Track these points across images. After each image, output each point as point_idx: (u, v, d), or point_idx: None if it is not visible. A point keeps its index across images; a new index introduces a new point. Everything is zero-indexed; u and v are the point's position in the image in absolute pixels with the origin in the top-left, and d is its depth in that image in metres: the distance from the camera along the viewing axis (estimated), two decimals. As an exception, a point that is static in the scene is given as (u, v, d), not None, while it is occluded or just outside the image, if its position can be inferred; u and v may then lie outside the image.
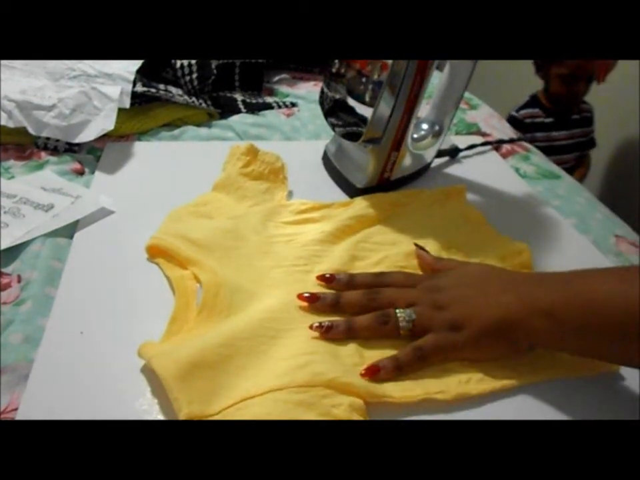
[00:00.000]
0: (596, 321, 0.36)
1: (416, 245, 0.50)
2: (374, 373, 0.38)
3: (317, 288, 0.45)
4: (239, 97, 0.78)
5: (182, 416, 0.34)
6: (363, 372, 0.38)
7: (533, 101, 1.63)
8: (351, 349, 0.40)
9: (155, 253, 0.47)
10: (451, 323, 0.40)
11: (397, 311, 0.41)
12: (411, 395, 0.37)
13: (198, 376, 0.36)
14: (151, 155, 0.64)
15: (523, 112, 1.62)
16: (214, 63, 0.75)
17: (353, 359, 0.40)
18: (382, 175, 0.59)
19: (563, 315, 0.37)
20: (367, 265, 0.49)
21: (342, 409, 0.36)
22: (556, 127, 1.59)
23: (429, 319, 0.41)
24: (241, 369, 0.38)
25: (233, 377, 0.37)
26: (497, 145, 0.75)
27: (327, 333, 0.40)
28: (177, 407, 0.34)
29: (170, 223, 0.50)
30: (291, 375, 0.37)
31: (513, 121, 1.60)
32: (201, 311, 0.42)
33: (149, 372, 0.38)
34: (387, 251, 0.51)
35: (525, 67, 1.70)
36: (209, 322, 0.41)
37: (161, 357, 0.37)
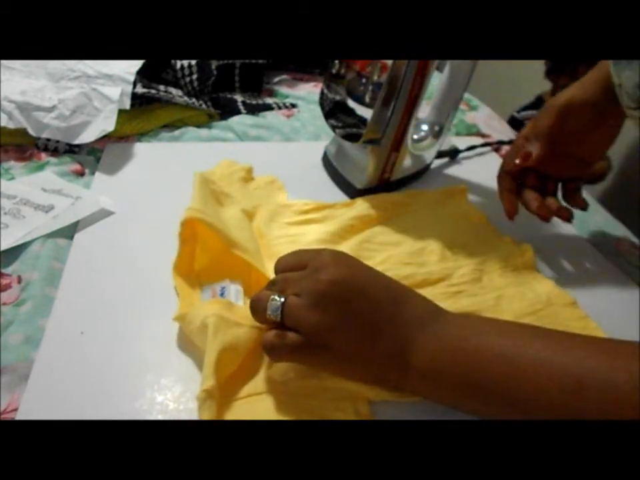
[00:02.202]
0: (476, 381, 0.32)
1: None
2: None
3: None
4: (239, 97, 0.78)
5: (205, 386, 0.34)
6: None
7: (537, 102, 1.64)
8: None
9: (188, 230, 0.45)
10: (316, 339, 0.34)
11: (272, 297, 0.36)
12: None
13: (231, 359, 0.37)
14: (151, 155, 0.64)
15: (523, 113, 1.62)
16: (214, 64, 0.75)
17: None
18: (382, 176, 0.59)
19: (438, 374, 0.33)
20: (372, 265, 0.49)
21: (347, 412, 0.36)
22: None
23: (299, 317, 0.35)
24: (252, 364, 0.38)
25: (248, 370, 0.38)
26: (496, 146, 0.75)
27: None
28: (207, 373, 0.34)
29: (202, 196, 0.48)
30: (297, 378, 0.37)
31: (513, 121, 1.61)
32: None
33: (148, 372, 0.38)
34: (391, 251, 0.51)
35: (526, 68, 1.70)
36: None
37: (222, 321, 0.37)
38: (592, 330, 0.45)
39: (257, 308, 0.37)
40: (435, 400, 0.35)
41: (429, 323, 0.35)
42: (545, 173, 0.53)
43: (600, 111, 0.49)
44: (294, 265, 0.38)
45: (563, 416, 0.28)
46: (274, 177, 0.61)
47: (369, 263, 0.49)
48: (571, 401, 0.28)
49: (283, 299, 0.35)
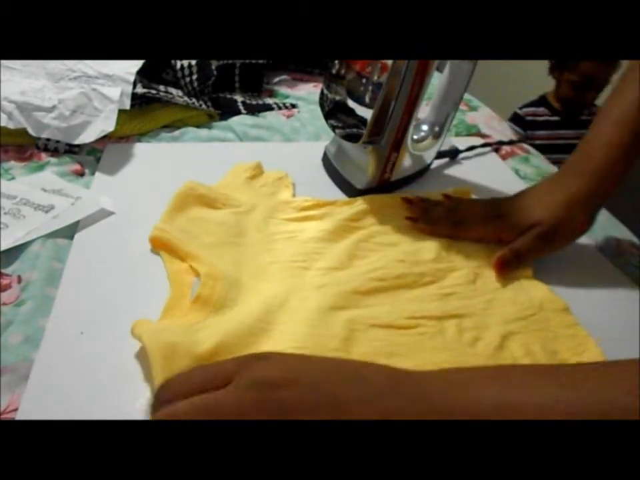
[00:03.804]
0: None
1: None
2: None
3: (314, 283, 0.46)
4: (239, 98, 0.78)
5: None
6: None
7: (539, 100, 1.65)
8: (338, 343, 0.41)
9: (158, 244, 0.48)
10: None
11: None
12: None
13: (184, 360, 0.36)
14: (151, 156, 0.64)
15: (525, 109, 1.63)
16: (214, 64, 0.75)
17: (339, 353, 0.40)
18: (382, 176, 0.59)
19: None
20: (366, 264, 0.49)
21: None
22: (564, 126, 1.60)
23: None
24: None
25: None
26: (496, 146, 0.75)
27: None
28: (156, 382, 0.34)
29: (174, 211, 0.51)
30: None
31: (516, 117, 1.62)
32: (195, 300, 0.42)
33: (148, 372, 0.38)
34: (387, 251, 0.51)
35: (526, 68, 1.71)
36: (202, 311, 0.41)
37: (153, 333, 0.37)
38: (582, 338, 0.44)
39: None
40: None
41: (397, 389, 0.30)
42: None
43: None
44: (201, 384, 0.30)
45: None
46: (284, 172, 0.61)
47: (365, 261, 0.49)
48: None
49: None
